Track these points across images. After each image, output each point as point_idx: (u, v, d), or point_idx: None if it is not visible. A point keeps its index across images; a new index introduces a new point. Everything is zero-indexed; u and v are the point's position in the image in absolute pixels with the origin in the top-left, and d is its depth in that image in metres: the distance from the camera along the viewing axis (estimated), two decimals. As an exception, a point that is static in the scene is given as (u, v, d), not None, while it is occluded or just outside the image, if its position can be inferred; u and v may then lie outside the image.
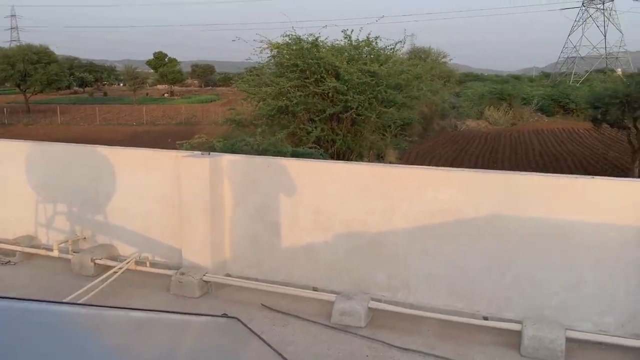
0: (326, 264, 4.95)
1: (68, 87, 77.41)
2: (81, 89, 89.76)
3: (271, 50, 18.16)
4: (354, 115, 16.75)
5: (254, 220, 5.22)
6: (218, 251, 5.29)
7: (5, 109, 50.81)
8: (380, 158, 24.16)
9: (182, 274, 5.12)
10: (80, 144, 6.05)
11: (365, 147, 19.26)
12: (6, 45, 65.11)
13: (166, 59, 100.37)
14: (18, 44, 77.31)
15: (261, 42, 17.82)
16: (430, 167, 4.64)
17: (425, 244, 4.56)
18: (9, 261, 5.89)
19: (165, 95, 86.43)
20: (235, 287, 5.11)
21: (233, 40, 19.32)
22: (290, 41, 17.67)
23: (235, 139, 14.02)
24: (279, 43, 17.91)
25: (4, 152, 6.31)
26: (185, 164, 5.19)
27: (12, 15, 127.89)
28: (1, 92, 76.33)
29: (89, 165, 5.88)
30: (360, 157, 19.50)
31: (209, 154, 5.32)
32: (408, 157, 28.22)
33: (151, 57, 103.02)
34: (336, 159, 17.66)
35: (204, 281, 5.10)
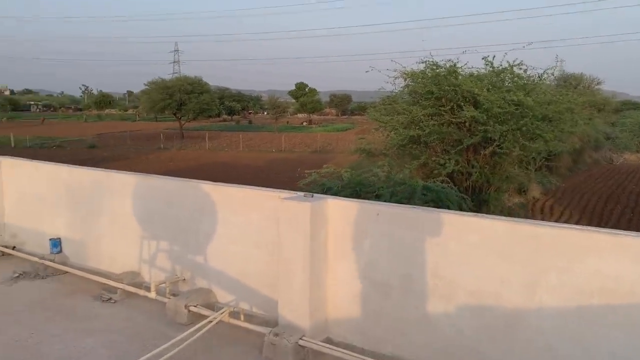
0: (445, 341, 3.94)
1: (218, 115, 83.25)
2: (229, 117, 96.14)
3: (405, 79, 17.40)
4: (496, 149, 15.25)
5: (360, 277, 4.39)
6: (318, 310, 4.53)
7: (162, 135, 55.77)
8: (522, 193, 22.05)
9: (276, 334, 4.43)
10: (183, 179, 5.72)
11: (505, 181, 17.52)
12: (168, 77, 71.73)
13: (306, 89, 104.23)
14: (178, 75, 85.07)
15: (395, 70, 17.15)
16: (591, 228, 3.45)
17: (580, 333, 3.38)
18: (110, 298, 5.67)
19: (304, 123, 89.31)
20: (334, 357, 4.29)
21: (367, 71, 18.89)
22: (425, 68, 16.76)
23: (362, 170, 13.35)
24: (413, 70, 17.10)
25: (113, 185, 6.20)
26: (285, 207, 4.54)
27: (175, 50, 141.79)
28: (161, 119, 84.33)
29: (190, 202, 5.50)
30: (499, 192, 17.80)
31: (312, 196, 4.62)
32: (554, 193, 25.49)
33: (293, 87, 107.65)
34: (471, 193, 16.23)
35: (300, 346, 4.36)
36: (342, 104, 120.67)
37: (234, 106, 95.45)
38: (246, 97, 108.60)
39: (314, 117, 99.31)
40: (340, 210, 4.48)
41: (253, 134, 66.17)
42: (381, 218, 4.25)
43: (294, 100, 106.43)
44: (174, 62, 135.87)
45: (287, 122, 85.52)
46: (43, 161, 7.29)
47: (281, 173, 29.16)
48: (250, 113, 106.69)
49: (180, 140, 56.32)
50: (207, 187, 5.40)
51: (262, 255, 4.94)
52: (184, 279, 5.58)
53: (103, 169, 6.58)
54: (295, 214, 4.43)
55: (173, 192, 5.67)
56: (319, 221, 4.43)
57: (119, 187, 6.14)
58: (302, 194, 4.71)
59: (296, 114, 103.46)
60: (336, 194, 10.32)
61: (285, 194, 4.80)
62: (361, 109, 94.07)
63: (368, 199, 8.82)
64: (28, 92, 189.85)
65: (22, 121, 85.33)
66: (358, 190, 11.28)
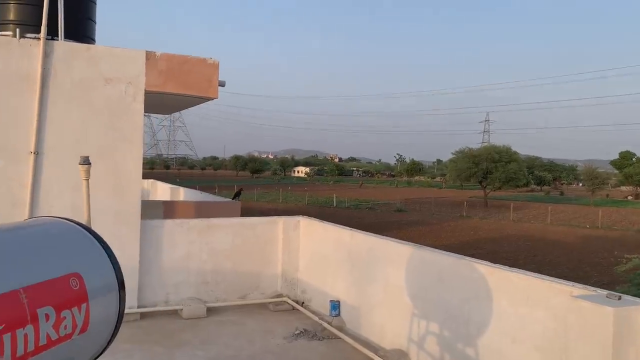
0: None
1: (526, 185, 79.25)
2: (538, 187, 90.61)
3: None
4: None
5: None
6: None
7: (465, 203, 55.66)
8: None
9: None
10: (457, 255, 5.11)
11: None
12: (475, 147, 72.17)
13: (633, 159, 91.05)
14: (486, 144, 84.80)
15: None
16: None
17: None
18: (374, 376, 5.34)
19: (629, 197, 77.74)
20: None
21: None
22: None
23: None
24: None
25: (388, 254, 5.97)
26: (576, 308, 3.50)
27: (485, 120, 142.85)
28: (466, 187, 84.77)
29: (463, 283, 4.83)
30: None
31: (619, 297, 3.46)
32: None
33: (616, 156, 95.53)
34: None
35: None
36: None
37: (544, 176, 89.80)
38: (559, 167, 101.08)
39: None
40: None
41: (564, 206, 60.59)
42: None
43: (616, 171, 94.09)
44: (484, 131, 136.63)
45: (607, 196, 75.80)
46: (331, 223, 7.63)
47: (595, 253, 25.38)
48: (562, 184, 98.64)
49: (483, 209, 55.25)
50: (483, 268, 4.67)
51: (545, 363, 3.93)
52: (452, 371, 4.88)
53: (380, 236, 6.47)
54: (589, 320, 3.36)
55: (446, 269, 5.11)
56: (627, 335, 3.26)
57: (394, 256, 5.89)
58: (603, 293, 3.59)
59: (619, 186, 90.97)
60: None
61: (578, 289, 3.74)
62: None
63: None
64: (352, 159, 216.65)
65: (344, 184, 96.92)
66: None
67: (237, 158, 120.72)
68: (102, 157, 6.47)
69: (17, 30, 6.43)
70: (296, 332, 6.62)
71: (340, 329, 6.59)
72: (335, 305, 6.86)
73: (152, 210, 9.13)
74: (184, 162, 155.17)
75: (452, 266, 5.03)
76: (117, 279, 2.45)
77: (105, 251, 2.44)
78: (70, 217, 2.72)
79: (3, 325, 1.63)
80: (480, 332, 4.54)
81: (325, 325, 6.63)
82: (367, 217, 39.25)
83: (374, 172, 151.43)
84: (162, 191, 16.29)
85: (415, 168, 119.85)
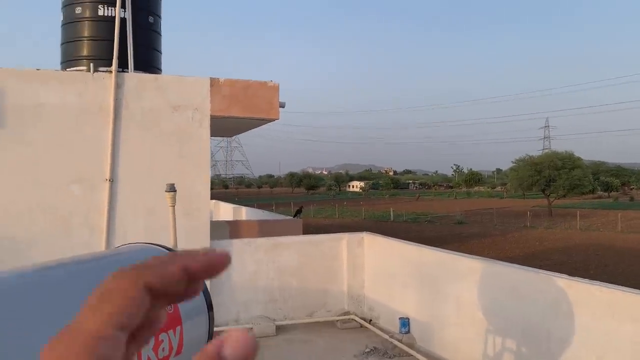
0: None
1: (592, 192, 75.92)
2: (606, 194, 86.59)
3: None
4: None
5: None
6: None
7: (529, 212, 53.82)
8: None
9: None
10: (533, 269, 4.95)
11: None
12: (536, 154, 69.97)
13: None
14: (548, 151, 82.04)
15: None
16: None
17: None
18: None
19: None
20: None
21: None
22: None
23: None
24: None
25: (458, 269, 5.86)
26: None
27: (545, 126, 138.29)
28: (528, 196, 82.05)
29: (541, 297, 4.68)
30: None
31: None
32: None
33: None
34: None
35: None
36: None
37: (611, 181, 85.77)
38: (627, 171, 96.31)
39: None
40: None
41: (635, 212, 57.49)
42: None
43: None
44: (544, 138, 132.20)
45: (684, 199, 71.36)
46: (396, 239, 7.58)
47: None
48: (631, 189, 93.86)
49: (548, 219, 53.27)
50: (562, 282, 4.51)
51: (637, 382, 3.73)
52: (532, 390, 4.72)
53: (449, 251, 6.37)
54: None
55: (521, 283, 4.96)
56: None
57: (464, 271, 5.78)
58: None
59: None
60: None
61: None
62: None
63: None
64: (408, 172, 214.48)
65: (400, 197, 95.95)
66: None
67: (292, 175, 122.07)
68: (172, 181, 6.71)
69: (91, 64, 6.83)
70: (366, 350, 6.58)
71: (412, 346, 6.51)
72: (405, 322, 6.78)
73: (219, 230, 9.36)
74: (241, 181, 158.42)
75: (528, 280, 4.88)
76: (206, 300, 2.54)
77: (194, 275, 2.53)
78: (144, 241, 2.85)
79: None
80: (563, 348, 4.38)
81: (396, 342, 6.56)
82: (426, 230, 38.66)
83: (430, 184, 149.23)
84: (225, 211, 16.67)
85: (474, 178, 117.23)
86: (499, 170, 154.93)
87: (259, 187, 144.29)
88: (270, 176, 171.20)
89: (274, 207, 49.51)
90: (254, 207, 19.87)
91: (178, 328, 2.27)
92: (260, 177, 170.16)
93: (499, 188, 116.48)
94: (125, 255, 2.46)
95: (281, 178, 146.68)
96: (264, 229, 10.32)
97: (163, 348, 2.16)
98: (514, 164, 64.49)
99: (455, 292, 5.88)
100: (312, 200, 76.77)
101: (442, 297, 6.16)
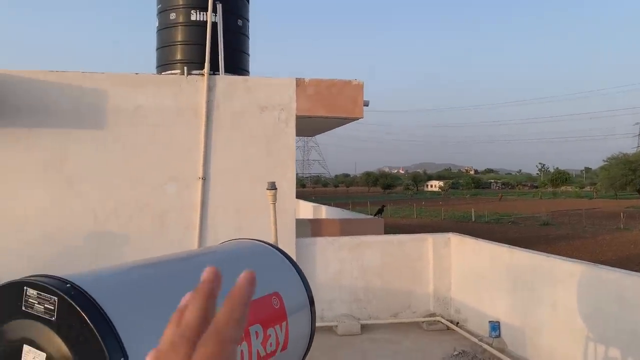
0: None
1: (695, 192, 69.96)
2: None
3: None
4: None
5: None
6: None
7: (622, 214, 50.45)
8: None
9: None
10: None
11: None
12: (630, 152, 65.55)
13: None
14: (644, 149, 76.53)
15: None
16: None
17: None
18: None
19: None
20: None
21: None
22: None
23: None
24: None
25: (555, 273, 5.57)
26: None
27: (639, 123, 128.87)
28: (621, 196, 76.96)
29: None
30: None
31: None
32: None
33: None
34: None
35: None
36: None
37: None
38: None
39: None
40: None
41: None
42: None
43: None
44: (639, 135, 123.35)
45: None
46: (485, 240, 7.34)
47: None
48: None
49: (645, 221, 49.65)
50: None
51: None
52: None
53: (545, 254, 6.07)
54: None
55: (628, 289, 4.65)
56: None
57: (562, 275, 5.49)
58: None
59: None
60: None
61: None
62: None
63: None
64: (489, 171, 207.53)
65: (482, 197, 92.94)
66: None
67: (368, 174, 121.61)
68: (260, 180, 6.88)
69: (185, 68, 7.13)
70: (455, 353, 6.43)
71: (502, 350, 6.28)
72: (495, 326, 6.55)
73: (301, 228, 9.48)
74: (318, 180, 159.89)
75: (636, 285, 4.56)
76: (307, 296, 2.57)
77: (296, 270, 2.58)
78: (234, 238, 2.91)
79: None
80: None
81: (486, 346, 6.36)
82: (510, 231, 37.21)
83: (514, 183, 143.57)
84: (305, 209, 16.89)
85: (560, 178, 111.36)
86: (587, 169, 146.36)
87: (336, 186, 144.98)
88: (347, 175, 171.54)
89: (350, 206, 49.53)
90: (330, 205, 19.97)
91: (284, 323, 2.30)
92: (336, 176, 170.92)
93: (587, 188, 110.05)
94: (238, 250, 2.53)
95: (357, 177, 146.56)
96: (345, 228, 10.34)
97: (270, 343, 2.20)
98: (606, 163, 60.77)
99: (552, 297, 5.60)
100: (388, 200, 76.04)
101: (536, 302, 5.90)
